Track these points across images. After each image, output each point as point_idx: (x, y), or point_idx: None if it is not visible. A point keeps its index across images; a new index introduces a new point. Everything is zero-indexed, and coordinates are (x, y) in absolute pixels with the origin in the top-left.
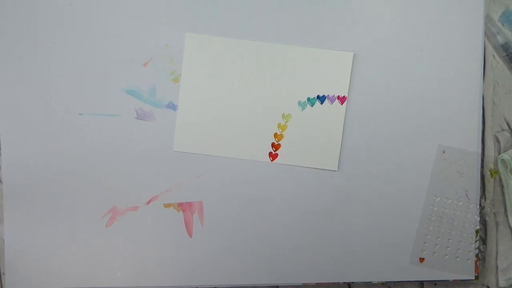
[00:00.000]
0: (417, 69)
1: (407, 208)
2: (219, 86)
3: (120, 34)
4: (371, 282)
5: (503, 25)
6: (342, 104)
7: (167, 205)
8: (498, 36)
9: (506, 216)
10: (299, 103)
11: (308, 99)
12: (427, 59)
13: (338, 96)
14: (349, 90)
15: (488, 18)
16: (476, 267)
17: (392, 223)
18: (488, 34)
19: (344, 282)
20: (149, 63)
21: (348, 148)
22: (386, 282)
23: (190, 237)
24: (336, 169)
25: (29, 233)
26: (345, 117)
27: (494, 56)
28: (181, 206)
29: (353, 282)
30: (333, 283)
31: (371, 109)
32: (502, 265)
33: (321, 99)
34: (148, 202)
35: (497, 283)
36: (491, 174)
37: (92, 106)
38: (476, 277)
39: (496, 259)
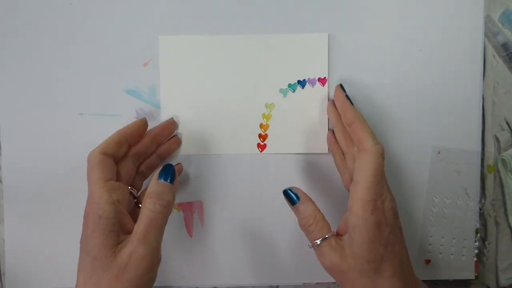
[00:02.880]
0: (416, 69)
1: (407, 210)
2: (199, 84)
3: (120, 34)
4: None
5: (503, 25)
6: (323, 85)
7: None
8: (498, 36)
9: (506, 216)
10: (281, 90)
11: (289, 85)
12: (427, 59)
13: (319, 78)
14: (329, 71)
15: (488, 18)
16: (476, 266)
17: None
18: (488, 34)
19: None
20: (149, 63)
21: None
22: None
23: (191, 237)
24: (327, 152)
25: (29, 233)
26: (328, 98)
27: (494, 56)
28: (181, 206)
29: None
30: (334, 283)
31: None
32: (502, 264)
33: (302, 83)
34: None
35: (497, 283)
36: (489, 170)
37: (92, 106)
38: (476, 277)
39: (496, 258)
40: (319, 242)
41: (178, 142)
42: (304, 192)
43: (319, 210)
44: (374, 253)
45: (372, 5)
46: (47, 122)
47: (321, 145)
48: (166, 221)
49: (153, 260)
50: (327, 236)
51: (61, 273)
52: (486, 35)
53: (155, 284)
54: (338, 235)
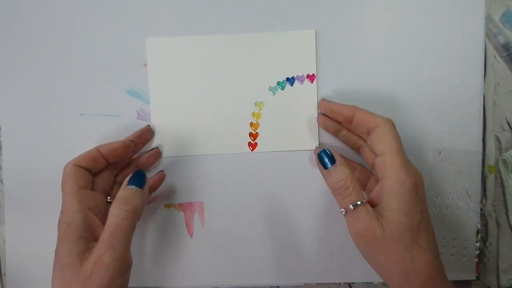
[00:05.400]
0: (417, 70)
1: None
2: (188, 85)
3: (121, 34)
4: (372, 282)
5: (504, 25)
6: (312, 82)
7: (167, 205)
8: (499, 37)
9: (507, 216)
10: (270, 88)
11: (278, 83)
12: (428, 59)
13: (308, 75)
14: (317, 67)
15: (489, 19)
16: (477, 267)
17: None
18: (489, 35)
19: (345, 282)
20: None
21: None
22: None
23: (191, 237)
24: (318, 146)
25: (30, 234)
26: (317, 95)
27: (495, 56)
28: (181, 206)
29: (354, 282)
30: (334, 283)
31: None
32: (503, 265)
33: (291, 81)
34: (149, 202)
35: (498, 284)
36: (490, 171)
37: (92, 106)
38: (477, 278)
39: (497, 259)
40: (353, 207)
41: (157, 155)
42: (339, 155)
43: (353, 174)
44: (412, 219)
45: (368, 4)
46: (48, 123)
47: (312, 142)
48: (134, 226)
49: (121, 266)
50: (363, 200)
51: None
52: (487, 35)
53: (157, 285)
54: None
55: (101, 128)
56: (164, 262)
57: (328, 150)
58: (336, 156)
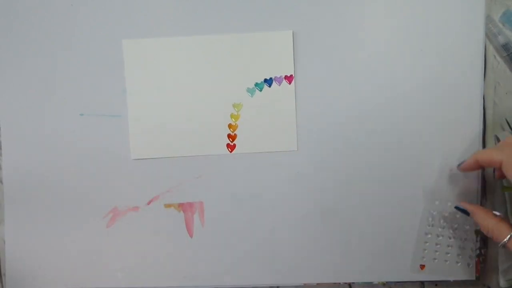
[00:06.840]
0: (417, 69)
1: (408, 211)
2: (166, 87)
3: (121, 35)
4: (371, 282)
5: (504, 25)
6: (290, 83)
7: (167, 205)
8: (499, 37)
9: (507, 217)
10: (248, 90)
11: (256, 84)
12: (428, 59)
13: (285, 76)
14: (295, 69)
15: (489, 19)
16: (477, 267)
17: (390, 229)
18: (489, 35)
19: (345, 282)
20: None
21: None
22: (387, 282)
23: (191, 237)
24: (296, 149)
25: (29, 234)
26: (295, 95)
27: (495, 56)
28: (181, 206)
29: (353, 283)
30: (334, 283)
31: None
32: (503, 266)
33: (269, 82)
34: (149, 202)
35: (498, 284)
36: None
37: (93, 106)
38: (477, 278)
39: (497, 260)
40: (505, 242)
41: None
42: (470, 204)
43: (491, 217)
44: None
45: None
46: (48, 123)
47: (290, 143)
48: None
49: None
50: (505, 240)
51: (62, 274)
52: (487, 35)
53: (157, 285)
54: None
55: (101, 128)
56: (164, 262)
57: (459, 206)
58: (466, 208)
